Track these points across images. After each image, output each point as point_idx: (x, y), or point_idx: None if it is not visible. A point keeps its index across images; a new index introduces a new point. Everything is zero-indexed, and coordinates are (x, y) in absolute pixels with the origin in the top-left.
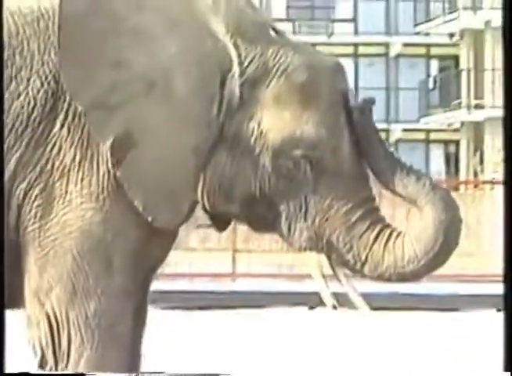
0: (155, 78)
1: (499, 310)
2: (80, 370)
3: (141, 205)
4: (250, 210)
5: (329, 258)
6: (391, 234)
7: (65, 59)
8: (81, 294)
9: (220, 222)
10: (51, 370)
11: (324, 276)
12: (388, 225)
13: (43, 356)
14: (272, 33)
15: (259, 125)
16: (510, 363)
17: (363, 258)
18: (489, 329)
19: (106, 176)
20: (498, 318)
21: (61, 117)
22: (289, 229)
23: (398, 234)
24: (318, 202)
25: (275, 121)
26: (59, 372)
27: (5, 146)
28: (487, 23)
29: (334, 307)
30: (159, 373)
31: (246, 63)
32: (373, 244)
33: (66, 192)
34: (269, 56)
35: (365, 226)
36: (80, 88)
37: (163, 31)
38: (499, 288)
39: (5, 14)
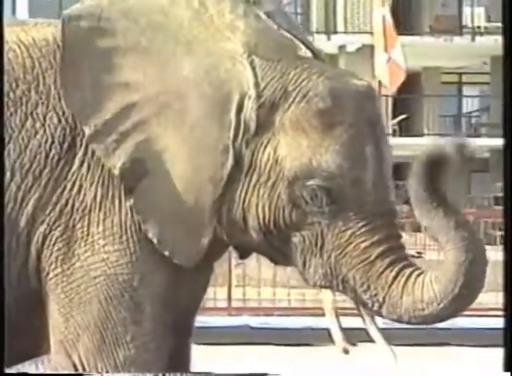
0: (167, 102)
1: None
2: None
3: (156, 238)
4: (266, 242)
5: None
6: (410, 274)
7: (68, 80)
8: (109, 342)
9: (242, 250)
10: None
11: (337, 316)
12: (410, 265)
13: None
14: (302, 53)
15: (275, 152)
16: (510, 363)
17: (381, 299)
18: None
19: (128, 215)
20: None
21: (80, 154)
22: (304, 264)
23: (419, 275)
24: (335, 237)
25: (291, 148)
26: (59, 372)
27: (23, 187)
28: (341, 47)
29: (346, 351)
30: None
31: (263, 85)
32: (391, 284)
33: (88, 234)
34: (290, 79)
35: (385, 265)
36: (85, 112)
37: (176, 51)
38: None
39: (21, 46)
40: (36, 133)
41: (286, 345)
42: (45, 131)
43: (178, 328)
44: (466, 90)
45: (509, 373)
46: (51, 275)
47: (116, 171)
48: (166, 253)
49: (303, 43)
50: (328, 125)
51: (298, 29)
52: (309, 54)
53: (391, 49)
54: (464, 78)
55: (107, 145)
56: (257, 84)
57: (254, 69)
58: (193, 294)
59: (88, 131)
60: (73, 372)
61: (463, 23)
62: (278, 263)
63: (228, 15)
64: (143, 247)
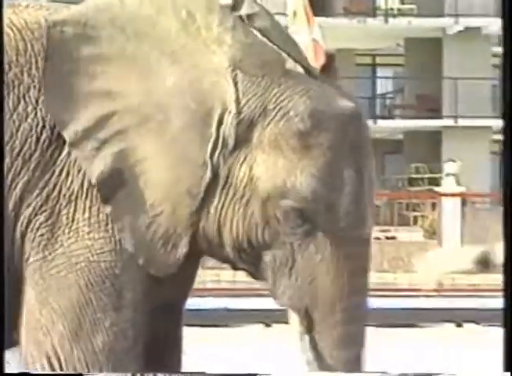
0: (149, 112)
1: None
2: None
3: (131, 248)
4: (240, 258)
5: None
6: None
7: (49, 85)
8: (87, 328)
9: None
10: None
11: (302, 339)
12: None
13: None
14: (291, 68)
15: (251, 169)
16: (510, 363)
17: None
18: None
19: None
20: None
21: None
22: (274, 283)
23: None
24: (305, 260)
25: (267, 167)
26: (59, 372)
27: (12, 170)
28: None
29: (308, 363)
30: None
31: (244, 101)
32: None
33: (73, 220)
34: (272, 96)
35: (340, 316)
36: (66, 118)
37: (161, 61)
38: None
39: (13, 29)
40: (27, 116)
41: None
42: (36, 114)
43: (167, 313)
44: (380, 72)
45: (509, 373)
46: (31, 260)
47: (93, 180)
48: (140, 262)
49: (294, 59)
50: (306, 147)
51: (292, 44)
52: (299, 70)
53: (312, 30)
54: (378, 60)
55: (86, 153)
56: (237, 100)
57: (236, 84)
58: (177, 291)
59: (67, 137)
60: (50, 372)
61: (377, 5)
62: (254, 278)
63: (216, 28)
64: None
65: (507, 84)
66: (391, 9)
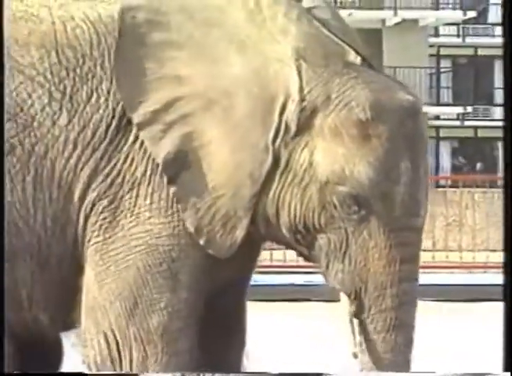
0: (215, 97)
1: None
2: None
3: (193, 227)
4: (296, 240)
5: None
6: None
7: (121, 70)
8: (143, 308)
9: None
10: None
11: (352, 322)
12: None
13: None
14: (352, 60)
15: (311, 155)
16: (510, 363)
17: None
18: None
19: None
20: None
21: (135, 130)
22: (327, 266)
23: None
24: (359, 245)
25: (327, 154)
26: (59, 372)
27: (83, 159)
28: None
29: (355, 356)
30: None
31: (307, 90)
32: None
33: (135, 205)
34: (334, 87)
35: (394, 292)
36: (135, 101)
37: (228, 50)
38: None
39: (87, 22)
40: (99, 108)
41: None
42: (107, 106)
43: (227, 293)
44: None
45: (509, 373)
46: (92, 242)
47: (159, 160)
48: (201, 242)
49: (354, 50)
50: (365, 136)
51: (352, 35)
52: (359, 61)
53: None
54: None
55: (154, 134)
56: (301, 89)
57: (300, 73)
58: (240, 264)
59: (136, 119)
60: (86, 372)
61: None
62: (306, 259)
63: (281, 18)
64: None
65: (508, 81)
66: (334, 2)
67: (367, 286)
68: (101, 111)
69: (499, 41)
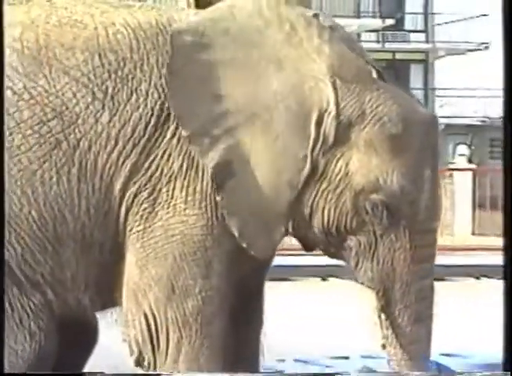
0: (257, 112)
1: None
2: (179, 366)
3: (237, 231)
4: (326, 240)
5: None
6: None
7: (174, 87)
8: (179, 293)
9: (305, 244)
10: (149, 367)
11: (380, 316)
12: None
13: (140, 354)
14: (375, 76)
15: (347, 165)
16: (510, 363)
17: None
18: None
19: (209, 185)
20: None
21: (172, 127)
22: (356, 264)
23: None
24: (386, 247)
25: (362, 165)
26: (59, 372)
27: (124, 153)
28: None
29: (383, 346)
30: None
31: (343, 104)
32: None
33: (172, 197)
34: (367, 102)
35: (419, 287)
36: (186, 116)
37: (268, 68)
38: None
39: (127, 28)
40: (138, 107)
41: None
42: (146, 105)
43: (238, 290)
44: None
45: (509, 373)
46: (134, 230)
47: (210, 170)
48: (244, 245)
49: (373, 66)
50: (398, 149)
51: (365, 53)
52: (377, 76)
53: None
54: None
55: (202, 147)
56: (337, 103)
57: (335, 89)
58: (256, 265)
59: (185, 133)
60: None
61: None
62: (333, 258)
63: (316, 39)
64: (219, 214)
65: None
66: None
67: (394, 284)
68: (140, 110)
69: (415, 46)
